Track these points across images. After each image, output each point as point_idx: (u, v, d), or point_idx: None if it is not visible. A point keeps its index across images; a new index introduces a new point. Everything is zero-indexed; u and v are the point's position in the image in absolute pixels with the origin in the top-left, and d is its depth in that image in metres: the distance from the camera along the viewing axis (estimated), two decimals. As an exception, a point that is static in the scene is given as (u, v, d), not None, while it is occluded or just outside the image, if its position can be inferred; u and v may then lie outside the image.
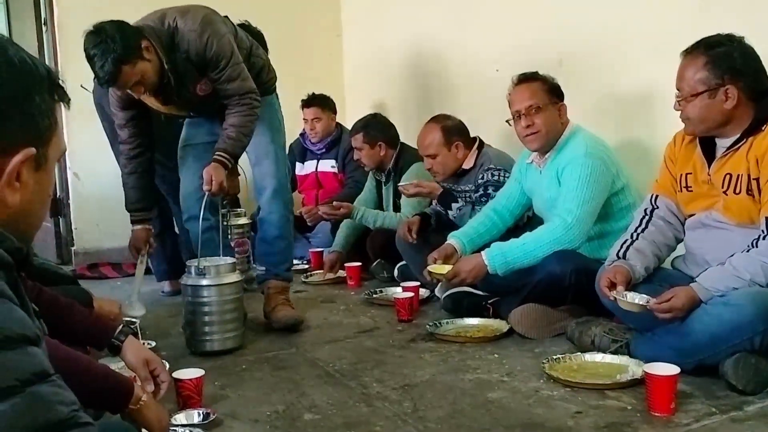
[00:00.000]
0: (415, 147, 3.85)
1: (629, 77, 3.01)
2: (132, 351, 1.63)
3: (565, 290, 2.57)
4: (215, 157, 2.64)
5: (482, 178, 3.16)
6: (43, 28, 4.61)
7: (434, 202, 3.44)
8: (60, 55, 4.56)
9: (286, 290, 2.98)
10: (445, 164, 3.28)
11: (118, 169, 3.60)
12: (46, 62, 4.54)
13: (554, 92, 2.74)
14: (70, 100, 0.98)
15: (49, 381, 0.74)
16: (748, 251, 2.02)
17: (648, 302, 2.10)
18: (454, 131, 3.28)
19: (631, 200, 2.71)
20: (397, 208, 3.82)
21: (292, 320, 2.80)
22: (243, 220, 3.81)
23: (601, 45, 3.14)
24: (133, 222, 3.05)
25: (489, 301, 2.81)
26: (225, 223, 3.69)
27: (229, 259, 2.68)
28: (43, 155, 0.91)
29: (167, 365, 2.17)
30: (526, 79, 2.75)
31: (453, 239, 2.86)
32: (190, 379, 1.98)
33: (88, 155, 4.40)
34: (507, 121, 2.80)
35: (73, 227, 4.66)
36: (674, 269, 2.36)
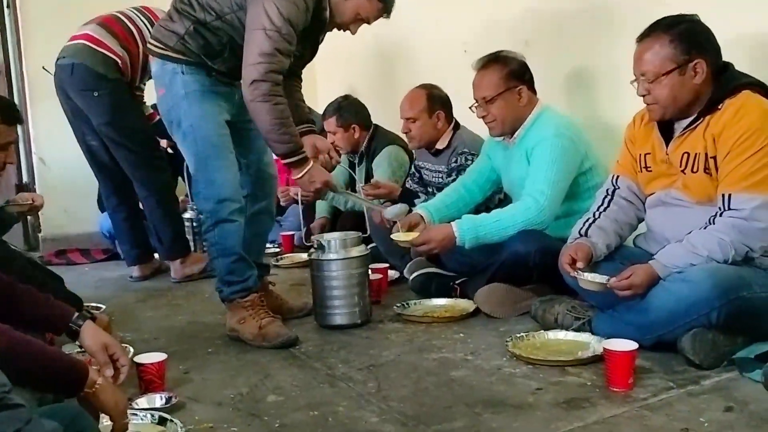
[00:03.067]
0: (388, 129, 3.87)
1: (594, 57, 3.03)
2: (90, 335, 1.62)
3: (530, 269, 2.60)
4: (310, 126, 2.59)
5: (455, 161, 3.19)
6: (6, 11, 4.54)
7: (408, 183, 3.46)
8: (23, 36, 4.49)
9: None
10: (423, 131, 3.29)
11: (83, 153, 3.59)
12: (9, 44, 4.50)
13: (514, 75, 2.72)
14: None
15: (-21, 364, 0.74)
16: (705, 228, 2.05)
17: (608, 281, 2.13)
18: (438, 100, 3.30)
19: (598, 180, 2.71)
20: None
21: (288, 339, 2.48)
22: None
23: (566, 25, 3.15)
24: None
25: (456, 282, 2.83)
26: (199, 216, 3.75)
27: (353, 234, 2.65)
28: None
29: (131, 350, 2.19)
30: (483, 66, 2.75)
31: (421, 209, 2.87)
32: (152, 363, 1.98)
33: (54, 140, 4.36)
34: (470, 108, 2.81)
35: (40, 213, 4.61)
36: (636, 247, 2.39)
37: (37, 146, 4.49)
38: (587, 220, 2.36)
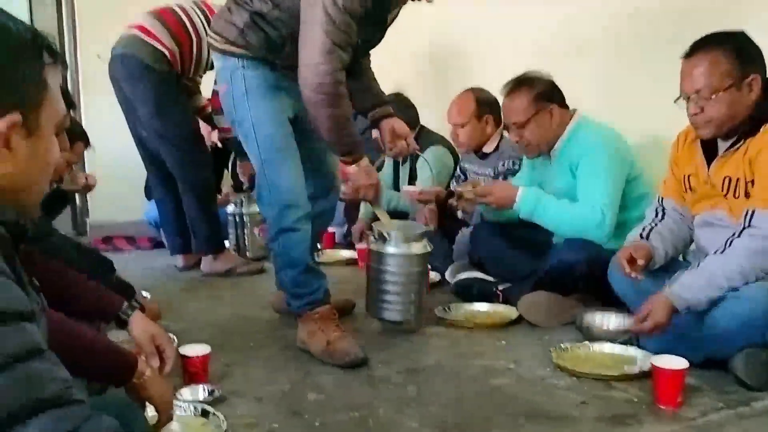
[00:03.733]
0: (434, 131, 3.84)
1: (646, 65, 2.97)
2: (138, 326, 1.64)
3: (577, 279, 2.56)
4: (386, 109, 2.45)
5: (503, 165, 3.17)
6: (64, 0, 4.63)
7: (453, 185, 3.43)
8: (78, 25, 4.58)
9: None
10: (471, 136, 3.28)
11: (134, 142, 3.65)
12: (65, 33, 4.60)
13: (543, 97, 2.67)
14: (64, 61, 0.96)
15: (42, 358, 0.74)
16: (723, 251, 1.99)
17: (628, 325, 2.11)
18: (487, 104, 3.28)
19: (644, 190, 2.68)
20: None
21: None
22: None
23: (620, 30, 3.09)
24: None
25: (499, 288, 2.80)
26: (242, 210, 3.80)
27: (417, 227, 2.55)
28: (35, 120, 0.89)
29: (175, 340, 2.21)
30: (511, 90, 2.71)
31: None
32: (197, 356, 2.00)
33: (104, 128, 4.41)
34: (505, 130, 2.78)
35: (88, 199, 4.71)
36: (686, 261, 2.34)
37: (88, 133, 4.56)
38: (645, 228, 2.31)
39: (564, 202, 2.59)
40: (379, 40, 2.38)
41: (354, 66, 2.29)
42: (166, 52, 3.38)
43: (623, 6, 3.06)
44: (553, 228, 2.61)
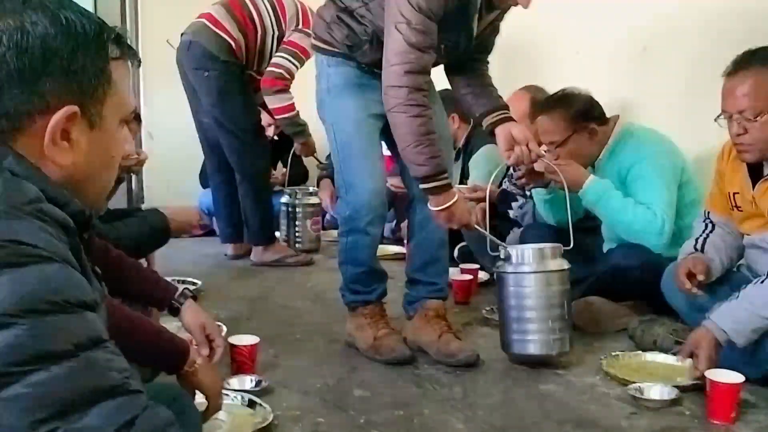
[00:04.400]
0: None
1: (715, 66, 2.87)
2: (190, 314, 1.67)
3: (631, 285, 2.51)
4: (504, 113, 2.24)
5: None
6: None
7: (504, 184, 3.40)
8: (141, 11, 4.66)
9: (444, 312, 2.41)
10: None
11: (192, 129, 3.70)
12: (127, 17, 4.69)
13: (582, 116, 2.59)
14: (136, 57, 0.97)
15: (104, 347, 0.76)
16: (763, 281, 1.90)
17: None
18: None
19: (695, 195, 2.60)
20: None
21: (472, 357, 2.20)
22: (315, 199, 3.99)
23: (687, 31, 3.00)
24: None
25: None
26: (295, 201, 3.83)
27: (553, 245, 2.25)
28: (97, 114, 0.89)
29: (224, 329, 2.25)
30: (547, 109, 2.63)
31: None
32: (245, 346, 2.02)
33: (164, 115, 4.53)
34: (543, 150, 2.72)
35: (144, 185, 4.81)
36: (739, 272, 2.27)
37: (146, 121, 4.64)
38: (698, 239, 2.25)
39: (629, 201, 2.51)
40: (466, 47, 2.20)
41: (467, 70, 2.27)
42: (232, 43, 3.41)
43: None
44: (611, 223, 2.55)
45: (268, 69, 3.44)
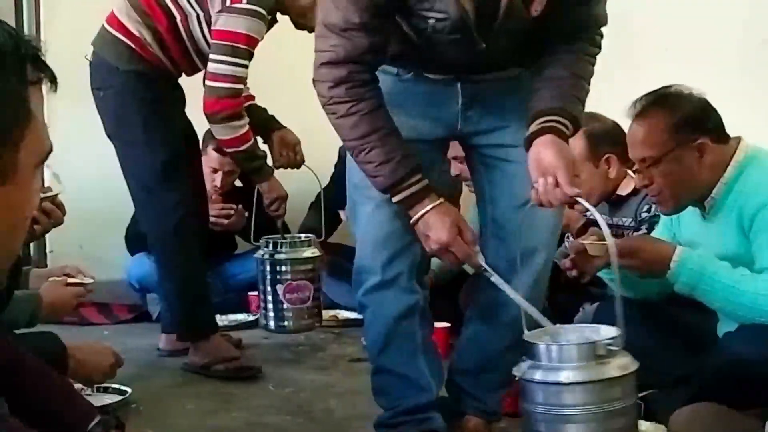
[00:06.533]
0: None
1: None
2: None
3: (758, 385, 2.44)
4: (553, 125, 2.09)
5: (647, 210, 3.14)
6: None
7: (567, 238, 3.35)
8: (43, 22, 4.71)
9: None
10: (591, 185, 3.22)
11: (117, 169, 3.65)
12: (24, 23, 4.71)
13: (690, 125, 2.57)
14: (54, 77, 0.97)
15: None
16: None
17: None
18: (604, 138, 3.24)
19: None
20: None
21: None
22: (310, 252, 3.64)
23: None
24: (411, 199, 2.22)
25: (641, 395, 2.68)
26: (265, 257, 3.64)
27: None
28: (10, 162, 0.90)
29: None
30: (641, 113, 2.62)
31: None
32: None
33: (73, 150, 4.47)
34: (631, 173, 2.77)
35: (47, 250, 4.75)
36: None
37: (51, 158, 4.60)
38: None
39: (743, 273, 2.48)
40: (511, 27, 2.15)
41: (547, 60, 2.21)
42: (131, 43, 3.29)
43: None
44: (724, 310, 2.53)
45: (206, 84, 3.28)
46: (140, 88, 3.33)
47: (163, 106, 3.39)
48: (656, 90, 2.66)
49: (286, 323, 3.60)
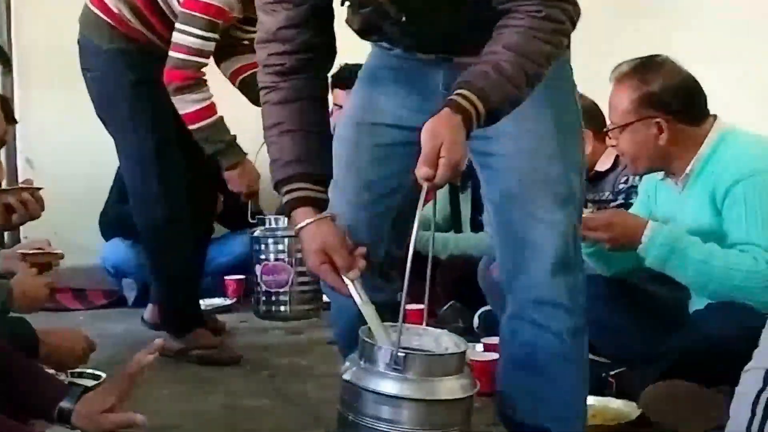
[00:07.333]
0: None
1: None
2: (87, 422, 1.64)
3: (729, 363, 2.46)
4: (452, 98, 1.84)
5: (625, 181, 3.20)
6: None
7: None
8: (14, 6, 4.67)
9: None
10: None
11: (91, 154, 3.65)
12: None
13: (651, 103, 2.62)
14: (5, 57, 0.94)
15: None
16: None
17: None
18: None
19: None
20: (477, 226, 3.76)
21: None
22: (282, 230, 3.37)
23: None
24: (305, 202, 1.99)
25: (612, 372, 2.73)
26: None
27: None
28: None
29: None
30: (618, 78, 2.70)
31: None
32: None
33: (48, 135, 4.46)
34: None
35: (21, 236, 4.73)
36: None
37: (23, 143, 4.60)
38: None
39: (713, 248, 2.53)
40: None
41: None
42: (109, 20, 3.23)
43: None
44: (695, 285, 2.58)
45: (169, 54, 3.18)
46: (125, 69, 3.26)
47: (151, 86, 3.25)
48: (641, 57, 2.71)
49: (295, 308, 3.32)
